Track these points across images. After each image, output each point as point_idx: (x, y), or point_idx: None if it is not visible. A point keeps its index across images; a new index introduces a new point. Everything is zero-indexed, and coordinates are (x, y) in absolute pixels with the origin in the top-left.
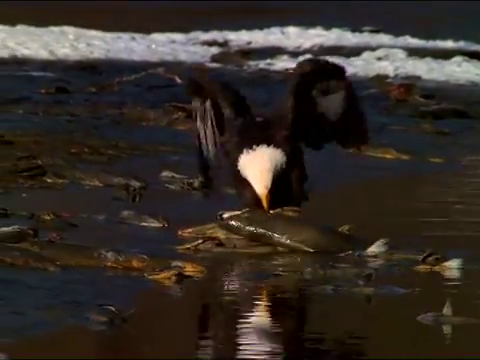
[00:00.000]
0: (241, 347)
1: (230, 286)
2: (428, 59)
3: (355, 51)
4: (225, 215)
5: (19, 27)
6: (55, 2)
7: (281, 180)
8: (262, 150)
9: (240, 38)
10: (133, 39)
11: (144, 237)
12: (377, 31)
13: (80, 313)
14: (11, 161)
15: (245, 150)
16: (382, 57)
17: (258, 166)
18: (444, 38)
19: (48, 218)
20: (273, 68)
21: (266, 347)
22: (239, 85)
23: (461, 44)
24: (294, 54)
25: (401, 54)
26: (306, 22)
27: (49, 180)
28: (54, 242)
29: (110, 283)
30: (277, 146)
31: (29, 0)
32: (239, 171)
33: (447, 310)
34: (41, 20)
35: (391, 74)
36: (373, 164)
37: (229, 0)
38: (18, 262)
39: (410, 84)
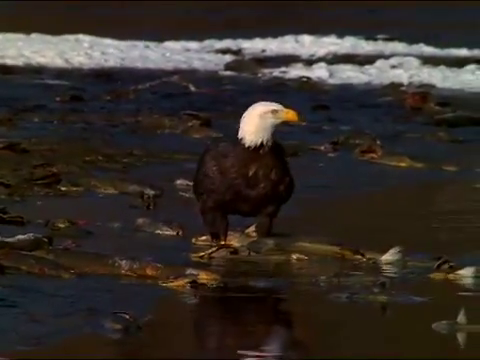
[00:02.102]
0: (255, 354)
1: (244, 294)
2: (442, 67)
3: (369, 59)
4: (250, 229)
5: (34, 35)
6: (70, 11)
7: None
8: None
9: (254, 46)
10: (148, 47)
11: (159, 245)
12: (391, 39)
13: (96, 321)
14: (27, 169)
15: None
16: (396, 65)
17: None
18: (458, 46)
19: (63, 226)
20: (287, 76)
21: (280, 354)
22: (254, 93)
23: (475, 52)
24: (308, 62)
25: (415, 62)
26: (320, 30)
27: (64, 188)
28: (69, 250)
29: (126, 291)
30: None
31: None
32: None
33: (461, 318)
34: (56, 28)
35: (405, 82)
36: (388, 172)
37: (244, 8)
38: (34, 270)
39: (425, 92)
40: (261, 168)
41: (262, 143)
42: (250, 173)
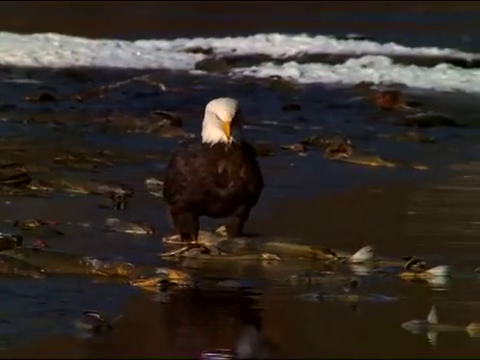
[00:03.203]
0: (226, 356)
1: (215, 293)
2: (413, 66)
3: (340, 58)
4: (220, 229)
5: (3, 34)
6: (40, 9)
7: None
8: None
9: (225, 45)
10: (118, 46)
11: (129, 244)
12: (362, 38)
13: (66, 321)
14: None
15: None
16: (367, 64)
17: (222, 100)
18: (429, 45)
19: (33, 226)
20: (258, 75)
21: (251, 355)
22: (225, 92)
23: (446, 51)
24: (279, 61)
25: (386, 61)
26: (291, 29)
27: (34, 188)
28: (39, 250)
29: (96, 291)
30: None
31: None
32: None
33: (432, 317)
34: (26, 27)
35: (376, 81)
36: (359, 172)
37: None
38: (2, 270)
39: (396, 92)
40: (229, 165)
41: (221, 139)
42: (219, 170)
